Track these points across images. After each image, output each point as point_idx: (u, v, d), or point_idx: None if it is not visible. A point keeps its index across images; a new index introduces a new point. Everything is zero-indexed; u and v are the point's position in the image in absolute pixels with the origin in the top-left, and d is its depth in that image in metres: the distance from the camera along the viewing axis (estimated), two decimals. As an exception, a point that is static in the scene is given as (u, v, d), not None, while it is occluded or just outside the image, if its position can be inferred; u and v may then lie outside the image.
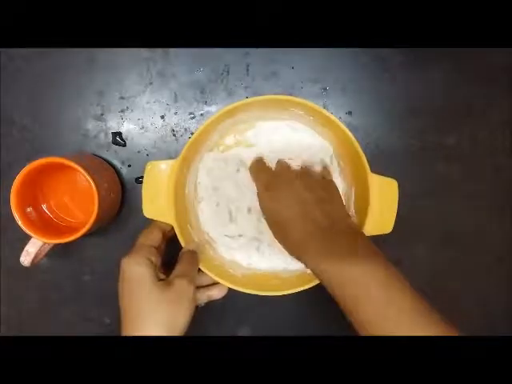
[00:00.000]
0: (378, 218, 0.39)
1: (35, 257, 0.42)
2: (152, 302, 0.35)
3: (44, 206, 0.45)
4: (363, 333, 0.33)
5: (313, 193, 0.39)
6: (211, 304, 0.48)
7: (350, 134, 0.39)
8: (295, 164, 0.42)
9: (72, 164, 0.39)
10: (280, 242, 0.40)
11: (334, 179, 0.43)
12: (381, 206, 0.39)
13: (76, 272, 0.48)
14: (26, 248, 0.42)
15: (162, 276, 0.38)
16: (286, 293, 0.39)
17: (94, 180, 0.40)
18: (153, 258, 0.37)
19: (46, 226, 0.43)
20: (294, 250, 0.38)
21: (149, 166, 0.40)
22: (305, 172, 0.41)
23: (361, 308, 0.32)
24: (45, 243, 0.42)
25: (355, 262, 0.33)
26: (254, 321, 0.48)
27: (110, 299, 0.47)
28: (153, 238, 0.40)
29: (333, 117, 0.39)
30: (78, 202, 0.46)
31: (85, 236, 0.41)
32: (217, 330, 0.48)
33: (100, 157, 0.47)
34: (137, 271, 0.36)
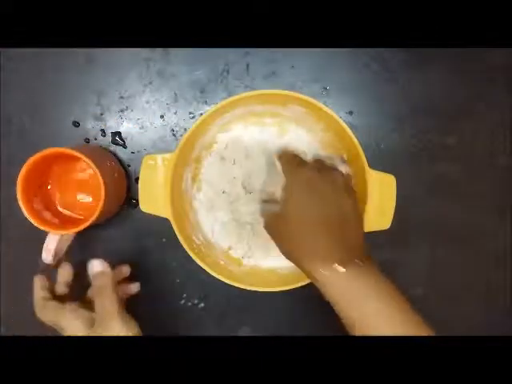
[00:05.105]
0: (376, 214, 0.39)
1: (56, 253, 0.41)
2: None
3: (55, 200, 0.45)
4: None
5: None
6: (211, 304, 0.48)
7: (347, 128, 0.39)
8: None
9: (72, 152, 0.39)
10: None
11: None
12: (379, 201, 0.39)
13: (76, 272, 0.48)
14: (45, 245, 0.41)
15: None
16: (283, 289, 0.39)
17: (94, 163, 0.40)
18: None
19: (59, 220, 0.43)
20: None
21: (145, 160, 0.40)
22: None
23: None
24: (62, 236, 0.42)
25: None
26: (253, 321, 0.48)
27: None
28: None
29: (328, 109, 0.39)
30: (83, 191, 0.46)
31: (89, 229, 0.41)
32: (217, 330, 0.48)
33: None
34: None
